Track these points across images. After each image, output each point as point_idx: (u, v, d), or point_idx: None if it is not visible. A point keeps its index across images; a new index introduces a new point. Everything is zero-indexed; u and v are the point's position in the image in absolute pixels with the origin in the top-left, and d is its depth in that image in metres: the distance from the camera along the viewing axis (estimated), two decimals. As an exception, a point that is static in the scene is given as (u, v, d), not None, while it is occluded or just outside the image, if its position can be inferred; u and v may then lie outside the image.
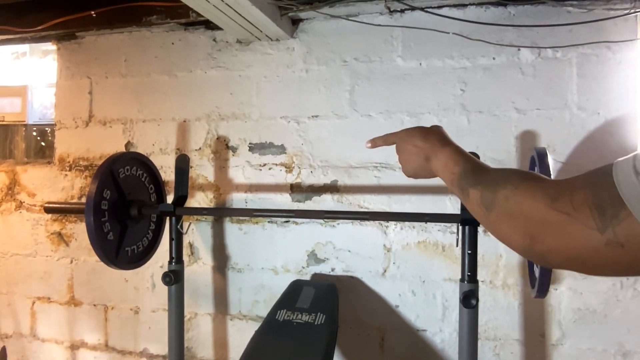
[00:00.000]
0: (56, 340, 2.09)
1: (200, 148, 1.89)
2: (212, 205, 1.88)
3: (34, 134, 2.24)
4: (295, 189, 1.80)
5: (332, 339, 1.44)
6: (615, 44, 1.52)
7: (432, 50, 1.66)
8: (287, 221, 1.80)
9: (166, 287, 1.61)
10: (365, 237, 1.73)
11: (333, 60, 1.76)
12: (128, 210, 1.54)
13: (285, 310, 1.52)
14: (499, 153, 1.60)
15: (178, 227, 1.61)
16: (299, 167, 1.79)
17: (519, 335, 1.62)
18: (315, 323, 1.46)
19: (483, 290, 1.62)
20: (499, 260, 1.62)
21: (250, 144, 1.84)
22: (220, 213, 1.91)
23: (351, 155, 1.74)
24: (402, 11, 1.68)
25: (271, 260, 1.83)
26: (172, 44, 1.93)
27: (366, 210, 1.71)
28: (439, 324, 1.68)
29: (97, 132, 2.01)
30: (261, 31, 1.70)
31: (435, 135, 0.82)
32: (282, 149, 1.81)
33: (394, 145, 0.90)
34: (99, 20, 1.88)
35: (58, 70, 2.07)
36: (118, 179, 1.51)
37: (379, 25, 1.68)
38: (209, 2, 1.42)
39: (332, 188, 1.76)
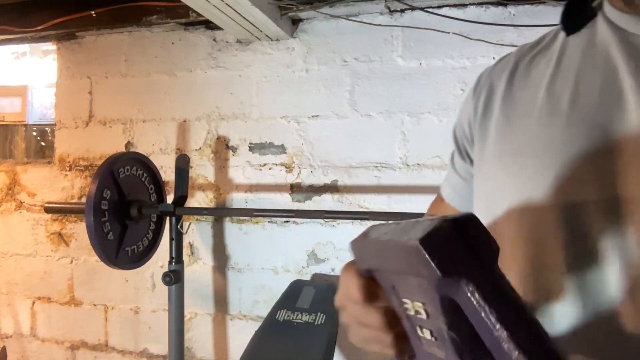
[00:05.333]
0: (56, 340, 2.09)
1: (200, 148, 1.89)
2: (212, 205, 1.88)
3: (34, 134, 2.24)
4: (295, 189, 1.79)
5: (332, 339, 1.44)
6: (615, 44, 1.52)
7: (432, 50, 1.66)
8: (287, 221, 1.80)
9: (166, 287, 1.61)
10: (365, 237, 1.72)
11: (333, 60, 1.75)
12: (128, 210, 1.54)
13: (285, 310, 1.52)
14: (499, 153, 1.60)
15: (178, 227, 1.61)
16: (299, 167, 1.79)
17: (519, 335, 1.62)
18: (316, 323, 1.46)
19: (483, 290, 1.61)
20: (499, 260, 1.62)
21: (250, 144, 1.84)
22: (220, 213, 1.90)
23: (351, 155, 1.74)
24: (402, 11, 1.68)
25: (271, 260, 1.82)
26: (172, 44, 1.93)
27: (366, 210, 1.71)
28: (439, 324, 1.68)
29: (97, 132, 2.01)
30: (261, 31, 1.70)
31: None
32: (282, 149, 1.81)
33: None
34: (99, 20, 1.88)
35: (58, 70, 2.07)
36: (118, 179, 1.51)
37: (379, 25, 1.68)
38: (209, 2, 1.42)
39: (332, 188, 1.76)
